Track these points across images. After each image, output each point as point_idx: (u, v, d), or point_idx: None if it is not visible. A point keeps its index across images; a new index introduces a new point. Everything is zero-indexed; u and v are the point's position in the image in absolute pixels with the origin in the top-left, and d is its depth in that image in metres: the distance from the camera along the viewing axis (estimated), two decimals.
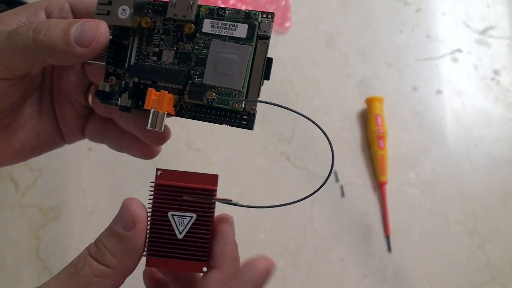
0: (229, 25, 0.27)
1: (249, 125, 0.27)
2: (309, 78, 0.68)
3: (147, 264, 0.26)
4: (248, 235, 0.60)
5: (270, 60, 0.27)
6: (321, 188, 0.29)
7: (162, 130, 0.27)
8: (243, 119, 0.27)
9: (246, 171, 0.64)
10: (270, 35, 0.27)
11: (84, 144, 0.64)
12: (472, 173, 0.64)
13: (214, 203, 0.26)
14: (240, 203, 0.28)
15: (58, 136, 0.33)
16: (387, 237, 0.61)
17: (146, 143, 0.32)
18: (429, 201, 0.63)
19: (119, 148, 0.33)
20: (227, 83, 0.27)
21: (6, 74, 0.27)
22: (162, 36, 0.28)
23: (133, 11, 0.27)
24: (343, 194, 0.63)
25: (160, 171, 0.27)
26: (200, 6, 0.28)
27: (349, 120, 0.66)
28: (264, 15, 0.27)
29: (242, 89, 0.27)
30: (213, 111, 0.27)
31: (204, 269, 0.26)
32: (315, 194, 0.27)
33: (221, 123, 0.27)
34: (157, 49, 0.28)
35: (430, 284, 0.59)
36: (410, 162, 0.64)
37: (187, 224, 0.26)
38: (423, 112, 0.67)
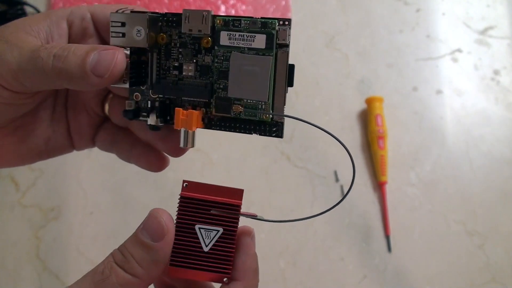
0: (247, 36, 0.26)
1: (278, 134, 0.27)
2: (309, 78, 0.68)
3: (169, 274, 0.27)
4: None
5: (292, 67, 0.27)
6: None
7: (194, 146, 0.27)
8: (272, 129, 0.27)
9: (246, 171, 0.64)
10: (289, 42, 0.26)
11: None
12: (472, 173, 0.64)
13: (239, 217, 0.27)
14: (264, 217, 0.28)
15: (68, 143, 0.33)
16: (387, 237, 0.61)
17: (156, 155, 0.32)
18: (429, 201, 0.63)
19: (128, 159, 0.33)
20: (252, 95, 0.27)
21: (23, 89, 0.27)
22: (180, 50, 0.28)
23: (148, 31, 0.27)
24: (343, 194, 0.63)
25: (186, 183, 0.27)
26: (214, 17, 0.27)
27: (349, 120, 0.66)
28: (281, 22, 0.26)
29: (268, 100, 0.27)
30: (242, 123, 0.28)
31: (225, 279, 0.27)
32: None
33: (251, 133, 0.28)
34: (176, 63, 0.28)
35: (430, 284, 0.59)
36: (410, 162, 0.64)
37: (213, 238, 0.27)
38: (423, 112, 0.67)
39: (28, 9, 0.71)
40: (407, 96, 0.68)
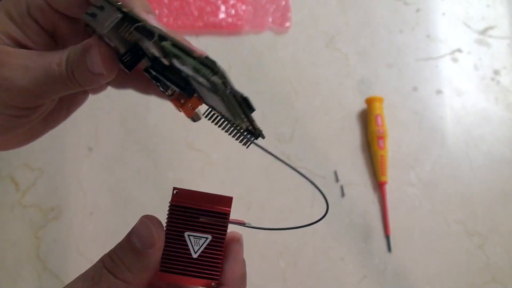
0: (193, 71, 0.23)
1: (254, 137, 0.27)
2: (309, 78, 0.68)
3: (159, 279, 0.27)
4: (248, 235, 0.60)
5: (245, 98, 0.23)
6: (321, 188, 0.29)
7: (201, 118, 0.27)
8: (247, 134, 0.27)
9: (246, 171, 0.64)
10: (228, 86, 0.22)
11: (84, 144, 0.64)
12: (472, 173, 0.64)
13: (228, 225, 0.28)
14: (252, 224, 0.29)
15: (84, 92, 0.33)
16: (387, 237, 0.61)
17: None
18: (429, 201, 0.63)
19: (147, 90, 0.32)
20: (222, 112, 0.26)
21: (42, 103, 0.28)
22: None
23: (118, 41, 0.26)
24: (343, 194, 0.63)
25: (176, 190, 0.28)
26: (162, 46, 0.24)
27: (349, 120, 0.66)
28: (214, 70, 0.22)
29: (236, 120, 0.25)
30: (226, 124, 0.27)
31: (213, 284, 0.27)
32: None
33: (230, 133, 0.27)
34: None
35: (430, 284, 0.59)
36: (410, 162, 0.64)
37: (202, 244, 0.27)
38: (423, 112, 0.67)
39: None
40: (407, 96, 0.68)
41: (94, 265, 0.26)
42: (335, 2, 0.73)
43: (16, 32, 0.27)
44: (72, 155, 0.63)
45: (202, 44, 0.70)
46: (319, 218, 0.31)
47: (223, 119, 0.27)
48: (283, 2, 0.72)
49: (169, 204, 0.28)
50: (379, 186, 0.63)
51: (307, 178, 0.28)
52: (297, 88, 0.67)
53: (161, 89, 0.27)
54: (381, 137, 0.63)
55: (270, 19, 0.71)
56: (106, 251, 0.26)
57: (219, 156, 0.64)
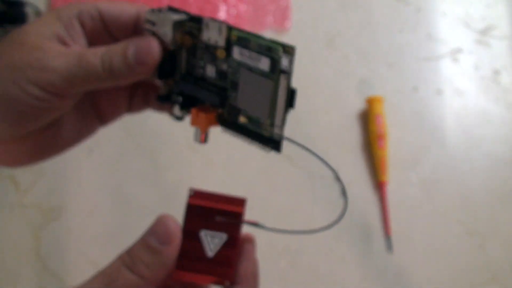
0: (255, 56, 0.27)
1: (277, 149, 0.30)
2: (309, 78, 0.68)
3: (173, 277, 0.28)
4: None
5: (293, 91, 0.28)
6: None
7: (206, 143, 0.30)
8: (270, 144, 0.29)
9: (247, 171, 0.64)
10: (291, 70, 0.27)
11: (84, 144, 0.64)
12: (473, 173, 0.64)
13: (242, 225, 0.28)
14: (266, 225, 0.30)
15: (97, 123, 0.34)
16: (387, 237, 0.61)
17: None
18: (429, 201, 0.63)
19: (160, 108, 0.34)
20: (254, 111, 0.28)
21: (71, 93, 0.28)
22: (203, 53, 0.29)
23: (173, 34, 0.28)
24: (343, 194, 0.63)
25: (192, 191, 0.29)
26: (230, 30, 0.28)
27: (349, 120, 0.66)
28: (285, 49, 0.26)
29: (267, 118, 0.28)
30: (247, 131, 0.29)
31: (227, 283, 0.28)
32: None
33: (253, 142, 0.29)
34: (202, 63, 0.29)
35: (430, 284, 0.59)
36: (411, 162, 0.64)
37: (217, 243, 0.28)
38: (423, 112, 0.67)
39: (28, 9, 0.71)
40: (407, 96, 0.68)
41: (112, 262, 0.26)
42: (335, 2, 0.73)
43: (61, 29, 0.28)
44: (73, 155, 0.63)
45: None
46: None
47: (246, 125, 0.29)
48: (283, 2, 0.72)
49: (185, 203, 0.29)
50: (379, 186, 0.63)
51: (335, 173, 0.30)
52: (297, 88, 0.67)
53: (176, 113, 0.30)
54: (381, 137, 0.63)
55: (270, 19, 0.71)
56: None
57: (219, 156, 0.64)
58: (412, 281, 0.59)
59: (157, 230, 0.27)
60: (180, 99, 0.30)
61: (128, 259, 0.26)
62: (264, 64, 0.27)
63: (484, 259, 0.60)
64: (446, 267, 0.60)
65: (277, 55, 0.27)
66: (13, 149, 0.30)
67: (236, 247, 0.28)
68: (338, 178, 0.30)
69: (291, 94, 0.28)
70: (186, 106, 0.30)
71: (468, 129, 0.66)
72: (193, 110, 0.29)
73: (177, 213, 0.28)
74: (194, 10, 0.70)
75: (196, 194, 0.29)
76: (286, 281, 0.59)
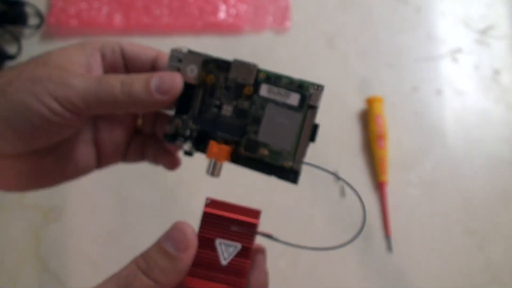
0: (284, 92, 0.30)
1: (295, 181, 0.31)
2: (309, 78, 0.68)
3: (186, 284, 0.28)
4: None
5: (316, 126, 0.31)
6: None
7: (219, 176, 0.32)
8: (290, 175, 0.31)
9: (246, 171, 0.63)
10: (318, 105, 0.31)
11: None
12: (473, 173, 0.64)
13: (256, 236, 0.30)
14: (280, 238, 0.32)
15: (95, 162, 0.35)
16: (387, 237, 0.61)
17: (173, 157, 0.36)
18: (429, 201, 0.63)
19: (156, 161, 0.36)
20: (278, 143, 0.30)
21: (86, 113, 0.29)
22: (224, 91, 0.31)
23: (200, 70, 0.31)
24: (343, 194, 0.63)
25: (209, 200, 0.30)
26: (259, 70, 0.31)
27: (349, 120, 0.66)
28: (315, 87, 0.31)
29: (291, 150, 0.30)
30: (264, 164, 0.32)
31: None
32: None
33: (270, 175, 0.32)
34: (218, 102, 0.32)
35: (430, 284, 0.59)
36: (410, 162, 0.64)
37: (231, 253, 0.29)
38: (423, 112, 0.67)
39: (28, 9, 0.71)
40: (407, 96, 0.68)
41: (127, 265, 0.27)
42: (335, 2, 0.73)
43: (83, 57, 0.30)
44: None
45: (202, 44, 0.70)
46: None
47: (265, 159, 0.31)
48: (283, 2, 0.72)
49: (202, 212, 0.29)
50: (379, 186, 0.63)
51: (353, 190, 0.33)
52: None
53: (187, 148, 0.33)
54: (381, 137, 0.63)
55: (270, 19, 0.71)
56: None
57: None
58: (412, 281, 0.59)
59: (174, 236, 0.27)
60: (194, 134, 0.32)
61: (144, 263, 0.26)
62: (293, 99, 0.30)
63: (484, 259, 0.60)
64: (446, 267, 0.60)
65: (308, 92, 0.31)
66: (14, 168, 0.30)
67: (249, 257, 0.29)
68: (357, 196, 0.33)
69: (314, 128, 0.31)
70: (198, 143, 0.32)
71: (468, 129, 0.66)
72: (212, 143, 0.31)
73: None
74: (194, 10, 0.70)
75: (212, 203, 0.30)
76: (286, 281, 0.59)
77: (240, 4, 0.71)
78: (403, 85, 0.68)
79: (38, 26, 0.71)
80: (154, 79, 0.29)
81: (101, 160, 0.35)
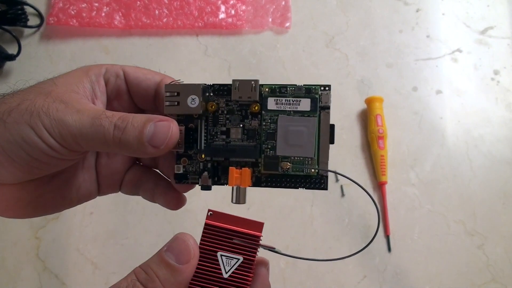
0: (293, 101, 0.30)
1: (324, 187, 0.30)
2: (309, 78, 0.68)
3: None
4: None
5: (332, 126, 0.30)
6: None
7: (245, 203, 0.30)
8: (318, 182, 0.30)
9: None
10: (330, 105, 0.30)
11: None
12: (472, 173, 0.64)
13: (258, 248, 0.29)
14: (282, 251, 0.31)
15: (95, 189, 0.34)
16: (387, 237, 0.61)
17: (176, 194, 0.34)
18: (429, 201, 0.63)
19: (152, 198, 0.34)
20: (299, 152, 0.30)
21: (79, 149, 0.28)
22: (227, 116, 0.31)
23: (202, 98, 0.30)
24: (343, 194, 0.63)
25: (211, 212, 0.29)
26: (261, 85, 0.30)
27: (349, 120, 0.66)
28: (322, 88, 0.30)
29: (314, 156, 0.30)
30: (289, 178, 0.30)
31: None
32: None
33: (297, 188, 0.30)
34: (224, 128, 0.31)
35: (430, 284, 0.59)
36: (410, 162, 0.64)
37: (233, 265, 0.28)
38: (423, 112, 0.67)
39: (28, 9, 0.71)
40: (407, 96, 0.68)
41: (126, 276, 0.26)
42: (335, 2, 0.73)
43: (87, 84, 0.30)
44: None
45: (202, 44, 0.70)
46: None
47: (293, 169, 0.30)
48: (283, 2, 0.72)
49: (204, 224, 0.29)
50: (379, 186, 0.63)
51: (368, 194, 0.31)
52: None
53: (206, 183, 0.31)
54: (381, 137, 0.63)
55: (270, 19, 0.71)
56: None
57: None
58: (411, 281, 0.59)
59: (176, 248, 0.27)
60: (208, 166, 0.31)
61: (144, 274, 0.26)
62: (304, 105, 0.30)
63: (484, 259, 0.60)
64: (446, 267, 0.60)
65: (318, 94, 0.30)
66: (13, 195, 0.30)
67: (251, 270, 0.28)
68: (372, 200, 0.31)
69: (331, 129, 0.30)
70: (213, 175, 0.31)
71: (467, 129, 0.66)
72: (232, 169, 0.30)
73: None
74: (194, 10, 0.70)
75: (214, 215, 0.29)
76: (286, 281, 0.59)
77: (240, 4, 0.71)
78: (403, 85, 0.68)
79: (38, 26, 0.71)
80: (149, 127, 0.27)
81: (100, 188, 0.35)
